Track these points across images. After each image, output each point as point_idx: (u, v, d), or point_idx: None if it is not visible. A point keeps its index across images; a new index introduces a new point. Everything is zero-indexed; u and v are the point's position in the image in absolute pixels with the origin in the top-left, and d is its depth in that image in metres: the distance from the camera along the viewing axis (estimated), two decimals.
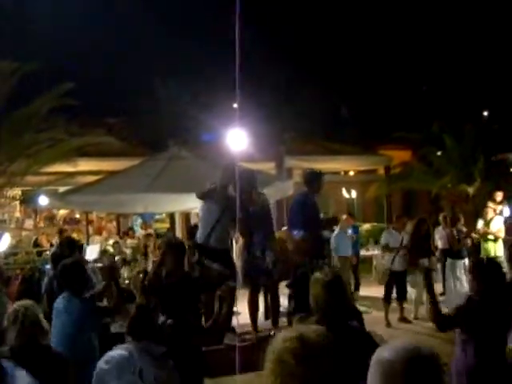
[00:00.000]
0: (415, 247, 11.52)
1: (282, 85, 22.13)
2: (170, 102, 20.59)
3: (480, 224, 12.95)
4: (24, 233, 18.54)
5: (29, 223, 19.47)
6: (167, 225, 16.80)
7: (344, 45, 24.08)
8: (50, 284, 7.83)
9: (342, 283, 4.37)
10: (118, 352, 4.38)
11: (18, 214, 20.39)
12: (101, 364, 4.34)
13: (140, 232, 14.44)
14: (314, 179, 8.89)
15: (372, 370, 2.24)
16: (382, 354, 2.23)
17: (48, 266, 11.83)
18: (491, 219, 12.79)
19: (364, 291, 13.82)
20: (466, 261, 11.82)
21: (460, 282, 11.72)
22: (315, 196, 8.92)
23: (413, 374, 2.13)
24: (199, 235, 8.72)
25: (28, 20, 18.37)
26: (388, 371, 2.17)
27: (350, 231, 13.90)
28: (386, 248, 12.05)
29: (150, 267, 12.72)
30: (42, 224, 19.35)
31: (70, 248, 8.22)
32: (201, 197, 8.71)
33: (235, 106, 18.34)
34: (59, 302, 6.04)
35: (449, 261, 12.22)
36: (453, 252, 12.26)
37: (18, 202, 17.79)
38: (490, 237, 12.62)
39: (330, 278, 4.29)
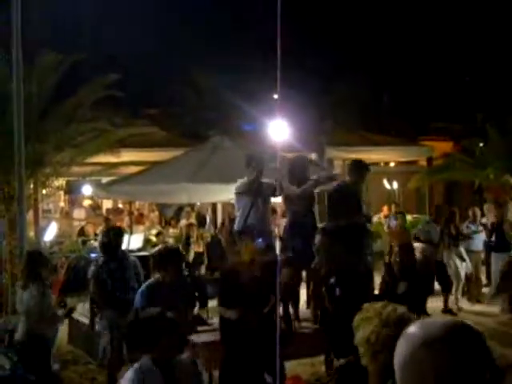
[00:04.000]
0: None
1: (322, 74, 22.09)
2: (211, 92, 20.70)
3: None
4: (69, 222, 18.83)
5: (76, 213, 19.78)
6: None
7: (386, 34, 23.91)
8: (98, 271, 8.04)
9: None
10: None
11: (62, 204, 20.74)
12: None
13: (183, 221, 14.54)
14: (357, 168, 8.89)
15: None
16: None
17: (94, 255, 12.07)
18: None
19: None
20: None
21: None
22: (358, 185, 8.90)
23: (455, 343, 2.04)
24: (236, 223, 8.83)
25: (73, 12, 18.58)
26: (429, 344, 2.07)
27: (394, 222, 13.87)
28: (418, 240, 12.04)
29: (191, 257, 12.86)
30: (85, 214, 19.62)
31: (117, 236, 8.37)
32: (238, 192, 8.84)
33: (276, 96, 18.41)
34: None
35: (495, 255, 12.18)
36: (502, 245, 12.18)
37: (62, 192, 18.07)
38: None
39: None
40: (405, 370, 2.08)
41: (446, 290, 11.67)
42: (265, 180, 8.65)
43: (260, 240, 7.62)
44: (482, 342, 2.06)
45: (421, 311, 10.50)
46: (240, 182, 8.85)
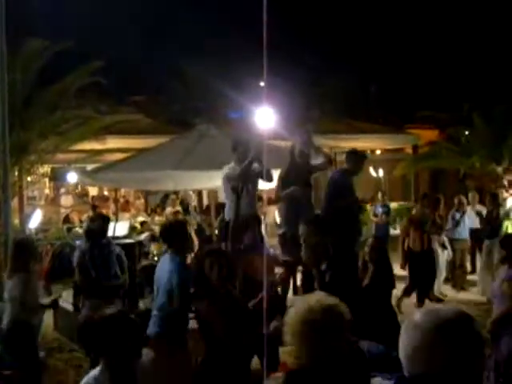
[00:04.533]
0: None
1: (309, 63, 22.09)
2: (197, 80, 20.65)
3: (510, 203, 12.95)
4: (55, 209, 18.78)
5: (63, 200, 19.74)
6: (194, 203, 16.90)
7: (373, 24, 23.93)
8: (81, 257, 8.02)
9: None
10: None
11: (47, 191, 20.66)
12: None
13: (169, 209, 14.52)
14: (354, 158, 8.88)
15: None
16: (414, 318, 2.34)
17: (79, 242, 12.04)
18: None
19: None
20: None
21: None
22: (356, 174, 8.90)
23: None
24: (226, 212, 8.75)
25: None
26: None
27: (379, 210, 13.91)
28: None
29: None
30: (72, 201, 19.59)
31: (104, 223, 8.36)
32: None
33: (262, 84, 18.36)
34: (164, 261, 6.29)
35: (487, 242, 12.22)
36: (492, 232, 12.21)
37: (47, 179, 18.02)
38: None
39: None
40: (415, 356, 2.25)
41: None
42: (253, 165, 8.52)
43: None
44: (478, 328, 2.31)
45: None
46: (227, 167, 8.75)
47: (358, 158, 8.88)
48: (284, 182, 8.72)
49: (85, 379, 3.75)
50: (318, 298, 3.18)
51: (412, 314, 2.36)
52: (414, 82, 24.39)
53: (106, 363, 3.70)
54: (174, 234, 6.33)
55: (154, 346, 5.58)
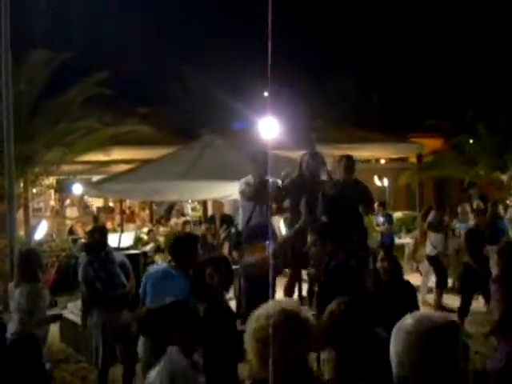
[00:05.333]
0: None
1: (312, 73, 22.11)
2: (201, 91, 20.69)
3: None
4: (60, 221, 18.80)
5: (69, 211, 19.77)
6: (199, 213, 16.91)
7: (376, 31, 23.95)
8: (85, 271, 7.95)
9: None
10: None
11: (52, 203, 20.70)
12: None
13: (174, 220, 14.54)
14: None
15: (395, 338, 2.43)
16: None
17: (83, 253, 12.02)
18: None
19: None
20: None
21: None
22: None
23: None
24: (241, 223, 8.76)
25: (63, 10, 18.51)
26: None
27: (380, 219, 13.89)
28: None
29: None
30: (77, 212, 19.62)
31: (102, 236, 8.30)
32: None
33: (266, 94, 18.39)
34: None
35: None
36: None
37: (52, 191, 18.05)
38: None
39: None
40: (403, 358, 2.37)
41: (442, 285, 11.65)
42: (269, 178, 8.54)
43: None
44: (464, 335, 2.53)
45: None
46: (244, 181, 8.76)
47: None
48: (288, 191, 8.72)
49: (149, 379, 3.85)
50: (271, 304, 2.93)
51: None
52: (418, 89, 24.38)
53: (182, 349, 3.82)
54: (182, 250, 6.21)
55: None
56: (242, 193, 8.71)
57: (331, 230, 7.05)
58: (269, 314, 2.81)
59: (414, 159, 22.63)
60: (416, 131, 23.49)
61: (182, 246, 6.30)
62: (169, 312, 4.03)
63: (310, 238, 8.32)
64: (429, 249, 12.03)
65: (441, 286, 11.62)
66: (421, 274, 12.65)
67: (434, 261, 11.87)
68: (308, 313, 2.95)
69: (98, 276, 7.84)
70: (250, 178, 8.69)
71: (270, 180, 8.48)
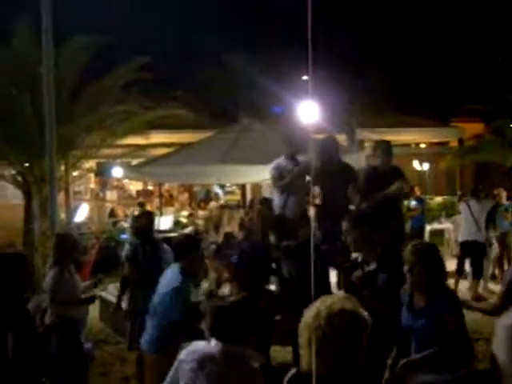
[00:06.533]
0: None
1: (351, 57, 21.92)
2: (241, 74, 20.66)
3: None
4: (100, 204, 19.02)
5: (108, 194, 19.99)
6: (238, 197, 16.95)
7: (416, 15, 23.63)
8: (133, 252, 8.28)
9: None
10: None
11: (92, 186, 20.95)
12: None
13: (213, 203, 14.60)
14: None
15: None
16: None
17: (124, 236, 12.17)
18: None
19: None
20: None
21: None
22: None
23: None
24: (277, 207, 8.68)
25: None
26: None
27: (413, 203, 13.88)
28: None
29: (221, 239, 12.88)
30: (117, 196, 19.82)
31: (149, 221, 8.53)
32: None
33: (304, 78, 18.29)
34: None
35: None
36: None
37: (92, 174, 18.24)
38: None
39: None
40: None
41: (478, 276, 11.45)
42: (301, 158, 8.49)
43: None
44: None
45: None
46: (276, 163, 8.68)
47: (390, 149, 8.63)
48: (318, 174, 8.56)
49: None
50: (331, 301, 2.87)
51: None
52: (459, 74, 24.03)
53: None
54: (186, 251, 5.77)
55: None
56: (273, 176, 8.62)
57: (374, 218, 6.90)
58: (330, 313, 2.80)
59: (454, 143, 22.40)
60: (457, 115, 23.21)
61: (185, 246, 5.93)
62: (242, 311, 3.96)
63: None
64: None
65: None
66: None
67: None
68: (364, 312, 2.91)
69: (147, 258, 8.03)
70: (282, 159, 8.62)
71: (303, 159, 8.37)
